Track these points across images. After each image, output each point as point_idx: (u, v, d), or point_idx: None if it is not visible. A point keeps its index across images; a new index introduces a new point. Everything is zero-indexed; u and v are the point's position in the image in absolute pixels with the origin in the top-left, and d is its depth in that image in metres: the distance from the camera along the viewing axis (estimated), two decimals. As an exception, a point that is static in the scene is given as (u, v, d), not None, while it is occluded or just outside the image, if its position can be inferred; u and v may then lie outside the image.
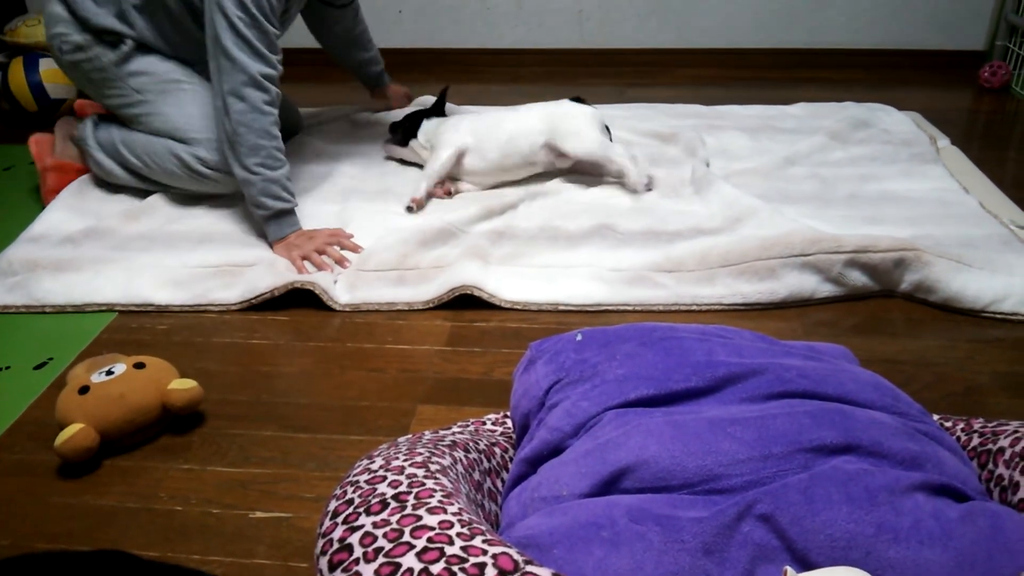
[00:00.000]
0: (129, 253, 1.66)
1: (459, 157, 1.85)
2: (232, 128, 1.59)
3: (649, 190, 1.81)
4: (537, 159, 1.86)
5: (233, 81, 1.57)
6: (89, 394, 1.16)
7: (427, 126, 1.94)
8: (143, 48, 1.79)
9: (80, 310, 1.53)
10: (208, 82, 1.73)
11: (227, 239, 1.69)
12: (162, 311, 1.53)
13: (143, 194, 1.87)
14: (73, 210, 1.83)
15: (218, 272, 1.59)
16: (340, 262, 1.59)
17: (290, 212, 1.65)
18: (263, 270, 1.55)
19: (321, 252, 1.60)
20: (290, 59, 2.98)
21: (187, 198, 1.85)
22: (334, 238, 1.63)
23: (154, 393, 1.19)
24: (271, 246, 1.65)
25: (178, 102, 1.77)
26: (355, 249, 1.62)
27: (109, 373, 1.19)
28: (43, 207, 1.86)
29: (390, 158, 2.06)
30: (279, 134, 1.64)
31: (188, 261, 1.62)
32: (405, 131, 1.99)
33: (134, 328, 1.48)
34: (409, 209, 1.78)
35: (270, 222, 1.64)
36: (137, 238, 1.72)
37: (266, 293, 1.50)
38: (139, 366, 1.21)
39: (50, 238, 1.72)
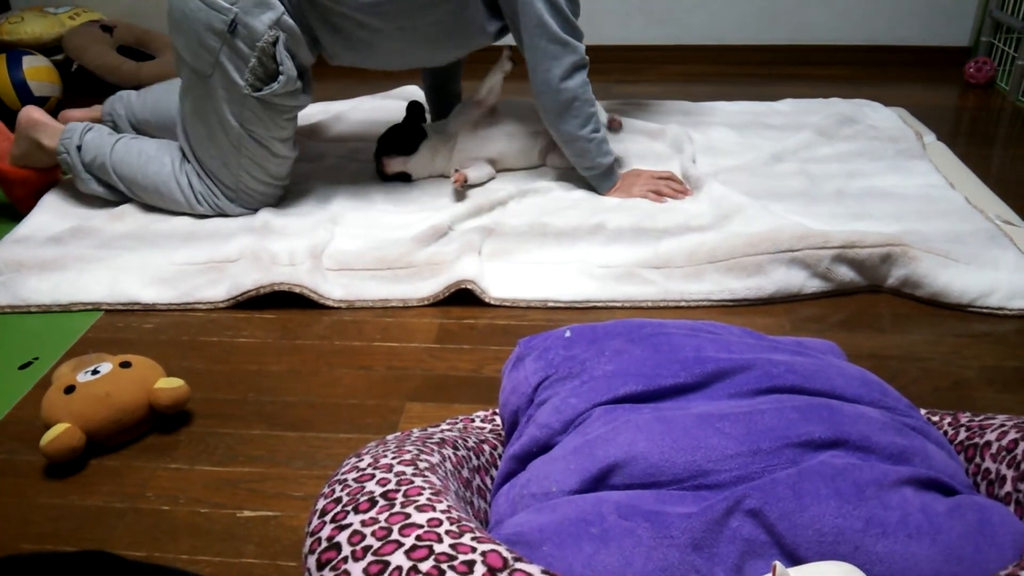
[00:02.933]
0: (115, 252, 1.65)
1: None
2: (566, 103, 1.71)
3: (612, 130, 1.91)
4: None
5: (567, 62, 1.69)
6: (75, 393, 1.15)
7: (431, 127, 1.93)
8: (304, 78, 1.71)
9: (66, 309, 1.52)
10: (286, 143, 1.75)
11: (213, 236, 1.68)
12: (148, 310, 1.52)
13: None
14: (57, 211, 1.82)
15: (204, 269, 1.58)
16: (682, 193, 1.78)
17: (614, 165, 1.82)
18: (247, 265, 1.54)
19: (656, 190, 1.79)
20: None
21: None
22: (661, 179, 1.81)
23: (140, 392, 1.18)
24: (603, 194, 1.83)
25: (264, 159, 1.72)
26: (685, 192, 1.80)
27: (95, 372, 1.18)
28: (23, 213, 1.83)
29: (391, 175, 1.93)
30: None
31: (174, 259, 1.61)
32: (409, 139, 1.89)
33: (120, 327, 1.48)
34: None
35: (604, 177, 1.81)
36: (123, 237, 1.70)
37: (251, 291, 1.49)
38: (125, 365, 1.20)
39: (35, 238, 1.71)
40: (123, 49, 2.71)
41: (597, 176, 1.81)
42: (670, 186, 1.79)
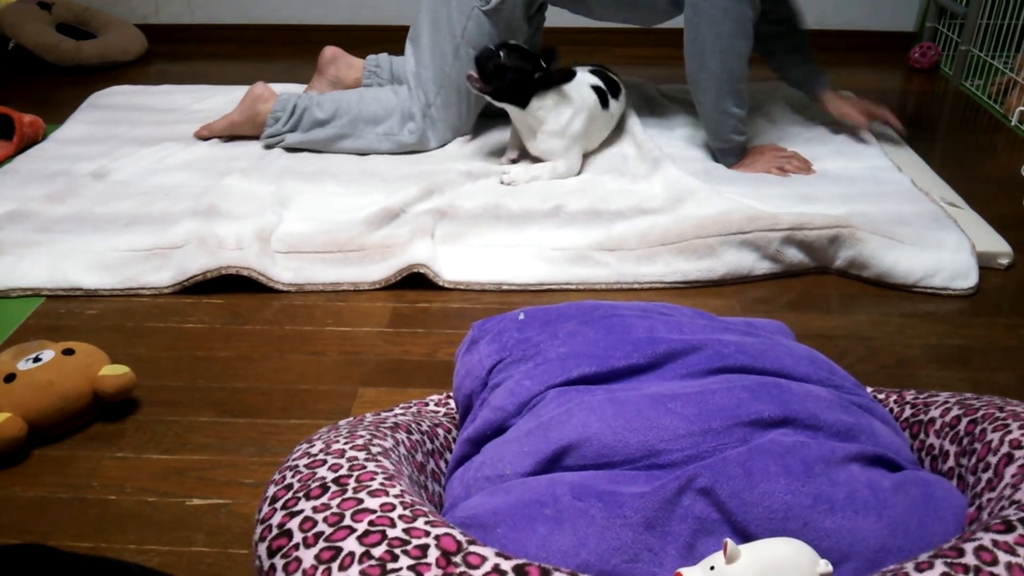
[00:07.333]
0: (55, 236, 1.60)
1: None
2: (720, 70, 1.72)
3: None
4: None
5: (728, 28, 1.70)
6: (16, 382, 1.12)
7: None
8: None
9: (4, 295, 1.48)
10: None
11: (156, 222, 1.64)
12: (91, 295, 1.48)
13: (65, 177, 1.83)
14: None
15: (149, 255, 1.54)
16: (805, 170, 1.80)
17: (744, 144, 1.82)
18: (193, 250, 1.51)
19: (779, 166, 1.80)
20: (218, 36, 2.90)
21: (118, 183, 1.80)
22: (784, 156, 1.83)
23: (84, 380, 1.16)
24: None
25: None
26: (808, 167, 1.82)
27: (37, 360, 1.15)
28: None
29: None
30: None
31: (117, 245, 1.57)
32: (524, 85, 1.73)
33: (62, 313, 1.44)
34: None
35: (729, 154, 1.82)
36: (63, 220, 1.66)
37: (198, 275, 1.46)
38: (68, 352, 1.17)
39: (-29, 222, 1.65)
40: (62, 27, 2.62)
41: (726, 151, 1.82)
42: (792, 163, 1.81)
